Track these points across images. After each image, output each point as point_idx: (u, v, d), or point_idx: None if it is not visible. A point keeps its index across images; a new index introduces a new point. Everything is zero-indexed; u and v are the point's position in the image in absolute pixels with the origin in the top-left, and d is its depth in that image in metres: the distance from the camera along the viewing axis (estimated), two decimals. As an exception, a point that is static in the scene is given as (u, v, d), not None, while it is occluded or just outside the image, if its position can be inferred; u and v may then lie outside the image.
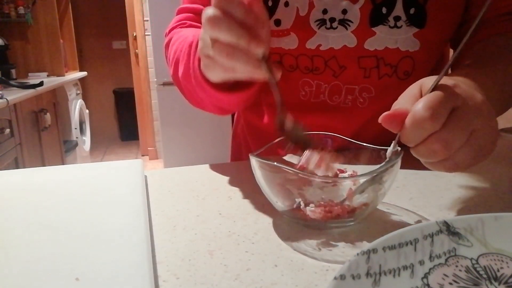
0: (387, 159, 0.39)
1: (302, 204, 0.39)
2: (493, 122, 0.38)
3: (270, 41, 0.44)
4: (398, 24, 0.55)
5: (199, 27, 0.67)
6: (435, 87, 0.36)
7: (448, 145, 0.34)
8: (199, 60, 0.50)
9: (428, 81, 0.38)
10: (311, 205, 0.39)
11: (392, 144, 0.39)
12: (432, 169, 0.38)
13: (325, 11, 0.56)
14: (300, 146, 0.44)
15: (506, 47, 0.55)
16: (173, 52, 0.62)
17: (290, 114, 0.44)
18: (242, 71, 0.42)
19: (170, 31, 0.68)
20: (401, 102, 0.37)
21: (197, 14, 0.67)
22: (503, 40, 0.56)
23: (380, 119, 0.36)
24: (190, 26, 0.67)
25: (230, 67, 0.43)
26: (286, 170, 0.38)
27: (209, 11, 0.40)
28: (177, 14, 0.70)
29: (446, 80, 0.37)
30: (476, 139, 0.35)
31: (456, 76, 0.41)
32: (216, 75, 0.47)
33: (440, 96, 0.34)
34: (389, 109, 0.39)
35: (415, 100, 0.36)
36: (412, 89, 0.38)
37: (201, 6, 0.67)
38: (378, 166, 0.38)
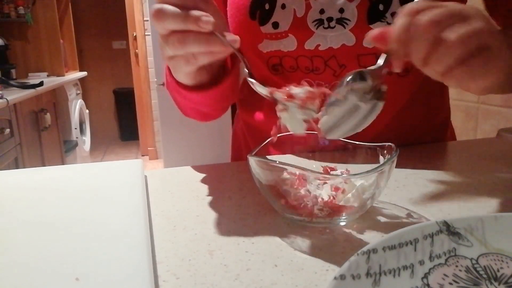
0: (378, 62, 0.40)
1: (310, 203, 0.39)
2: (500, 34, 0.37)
3: (218, 11, 0.45)
4: None
5: None
6: None
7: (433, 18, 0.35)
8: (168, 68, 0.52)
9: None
10: (319, 204, 0.39)
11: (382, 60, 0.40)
12: (445, 59, 0.36)
13: (322, 11, 0.56)
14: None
15: None
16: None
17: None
18: (199, 51, 0.43)
19: None
20: None
21: None
22: None
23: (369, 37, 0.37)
24: None
25: (188, 54, 0.43)
26: (284, 167, 0.38)
27: (152, 7, 0.41)
28: None
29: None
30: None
31: None
32: (184, 72, 0.48)
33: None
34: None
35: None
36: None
37: None
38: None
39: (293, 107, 0.40)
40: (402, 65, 0.38)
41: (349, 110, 0.40)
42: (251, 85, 0.43)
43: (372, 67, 0.40)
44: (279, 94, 0.41)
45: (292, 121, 0.40)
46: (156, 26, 0.42)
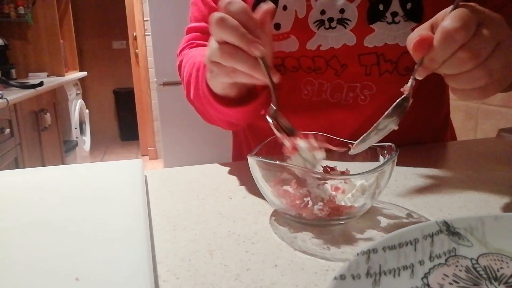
0: (405, 94, 0.40)
1: (310, 203, 0.39)
2: None
3: (272, 46, 0.48)
4: (396, 19, 0.55)
5: (206, 45, 0.69)
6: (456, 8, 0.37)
7: (477, 53, 0.36)
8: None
9: (439, 15, 0.38)
10: (319, 204, 0.39)
11: (411, 79, 0.40)
12: (465, 85, 0.38)
13: (323, 12, 0.57)
14: (286, 133, 0.46)
15: None
16: (185, 74, 0.65)
17: (283, 115, 0.47)
18: (242, 69, 0.45)
19: (180, 51, 0.72)
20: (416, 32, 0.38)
21: (204, 32, 0.71)
22: None
23: (410, 48, 0.37)
24: (198, 45, 0.70)
25: (231, 68, 0.45)
26: (284, 166, 0.38)
27: (217, 14, 0.44)
28: (186, 33, 0.74)
29: (464, 4, 0.37)
30: (502, 49, 0.37)
31: None
32: (219, 81, 0.50)
33: (466, 10, 0.36)
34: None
35: (428, 28, 0.38)
36: (423, 25, 0.39)
37: (206, 25, 0.70)
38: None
39: (302, 153, 0.42)
40: (425, 75, 0.39)
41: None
42: (270, 125, 0.45)
43: (408, 87, 0.40)
44: (287, 143, 0.43)
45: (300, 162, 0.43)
46: (213, 32, 0.44)
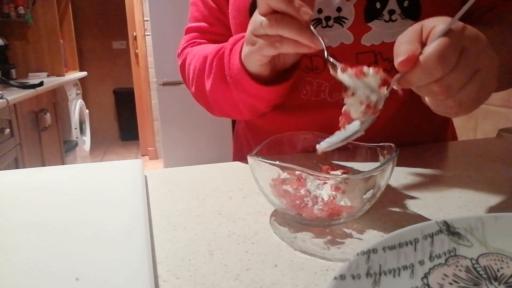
0: (373, 117, 0.40)
1: (310, 203, 0.39)
2: (495, 60, 0.39)
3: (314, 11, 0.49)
4: (393, 17, 0.55)
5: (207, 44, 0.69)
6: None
7: (450, 87, 0.36)
8: (240, 61, 0.53)
9: (429, 22, 0.38)
10: (319, 204, 0.39)
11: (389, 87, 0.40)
12: (435, 108, 0.40)
13: (320, 11, 0.57)
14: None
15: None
16: (192, 71, 0.64)
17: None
18: (289, 36, 0.45)
19: (181, 51, 0.71)
20: (404, 41, 0.38)
21: (203, 33, 0.71)
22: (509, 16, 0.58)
23: (397, 66, 0.37)
24: (200, 44, 0.70)
25: (277, 37, 0.46)
26: (284, 166, 0.38)
27: None
28: (186, 33, 0.73)
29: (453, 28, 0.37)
30: (479, 77, 0.37)
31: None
32: (262, 54, 0.49)
33: (451, 43, 0.36)
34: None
35: (417, 38, 0.37)
36: (414, 27, 0.39)
37: (206, 25, 0.69)
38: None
39: (361, 91, 0.41)
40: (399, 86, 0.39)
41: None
42: (331, 69, 0.45)
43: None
44: (351, 70, 0.41)
45: (356, 107, 0.41)
46: (260, 3, 0.45)
